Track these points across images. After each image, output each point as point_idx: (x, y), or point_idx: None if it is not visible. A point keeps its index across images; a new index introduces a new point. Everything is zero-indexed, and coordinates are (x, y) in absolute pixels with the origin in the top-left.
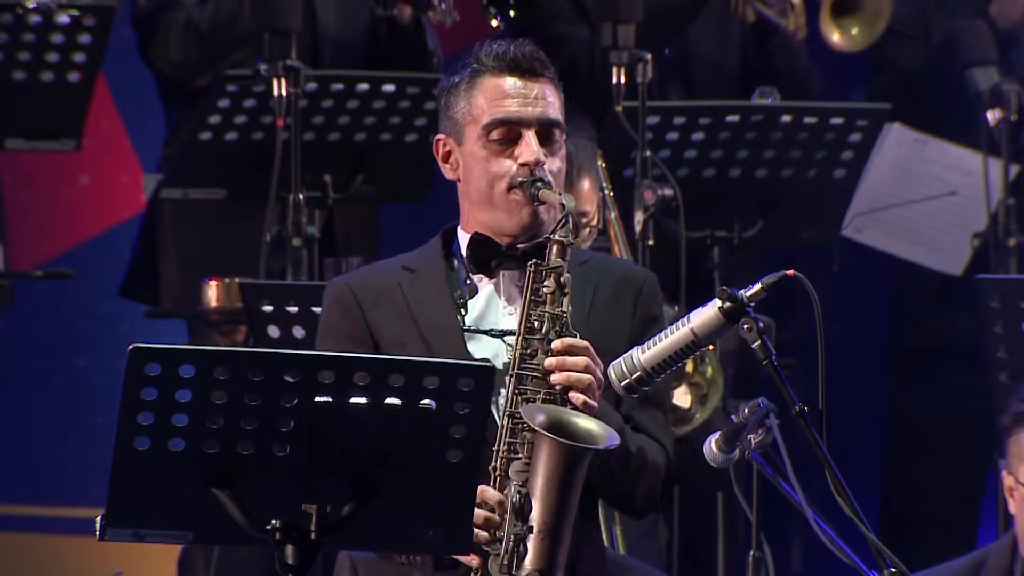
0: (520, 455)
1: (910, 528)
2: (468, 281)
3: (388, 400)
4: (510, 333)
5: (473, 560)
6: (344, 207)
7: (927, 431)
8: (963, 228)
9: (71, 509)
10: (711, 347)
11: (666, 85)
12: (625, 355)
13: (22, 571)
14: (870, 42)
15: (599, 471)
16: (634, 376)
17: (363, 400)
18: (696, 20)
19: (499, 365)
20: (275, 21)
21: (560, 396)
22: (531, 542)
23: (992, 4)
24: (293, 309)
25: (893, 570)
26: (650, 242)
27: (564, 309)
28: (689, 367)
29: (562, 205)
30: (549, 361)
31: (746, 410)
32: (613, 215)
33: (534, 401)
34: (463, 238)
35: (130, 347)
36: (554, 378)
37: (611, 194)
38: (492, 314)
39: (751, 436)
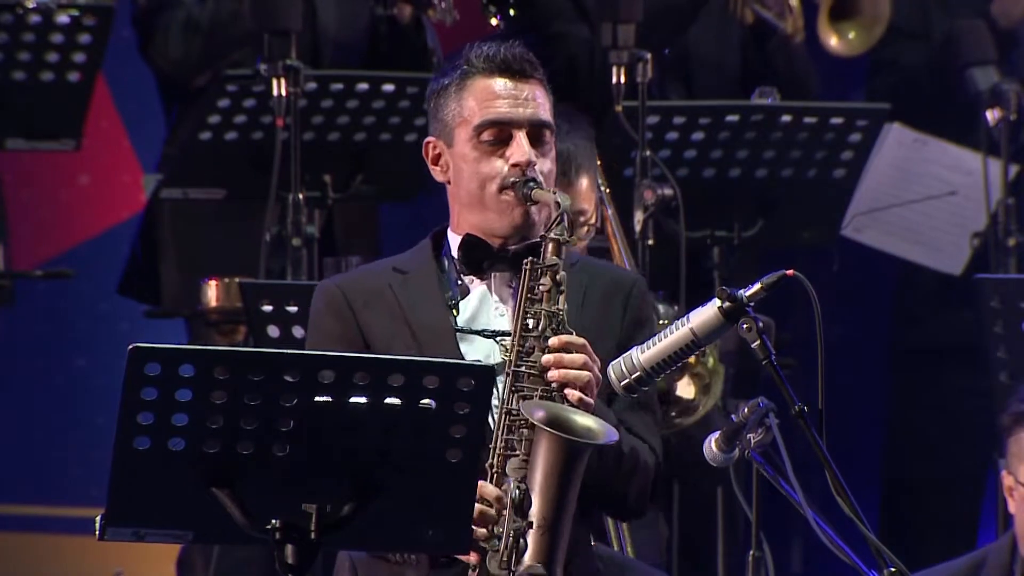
0: (517, 452)
1: (910, 528)
2: (459, 282)
3: (388, 400)
4: (502, 333)
5: (471, 557)
6: (343, 207)
7: (927, 431)
8: (963, 228)
9: (71, 509)
10: None
11: (666, 85)
12: (625, 355)
13: (22, 571)
14: (868, 47)
15: (593, 471)
16: (634, 376)
17: (363, 400)
18: (696, 20)
19: None
20: (275, 21)
21: (557, 393)
22: (531, 538)
23: (993, 3)
24: (293, 309)
25: (893, 570)
26: (650, 242)
27: (560, 307)
28: (691, 358)
29: (557, 204)
30: (546, 358)
31: (746, 409)
32: (610, 211)
33: (531, 399)
34: (453, 240)
35: (130, 347)
36: (551, 375)
37: (607, 191)
38: (484, 315)
39: (751, 435)
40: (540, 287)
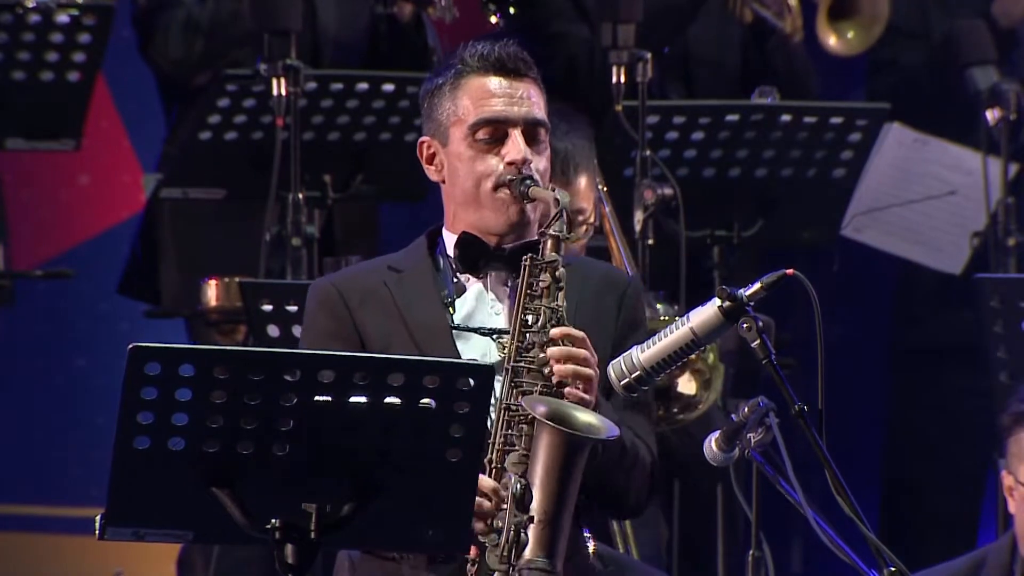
0: (517, 447)
1: (910, 528)
2: (455, 280)
3: (388, 399)
4: (499, 332)
5: (471, 552)
6: (343, 207)
7: (927, 431)
8: (962, 227)
9: (71, 509)
10: None
11: (666, 85)
12: (625, 354)
13: (22, 571)
14: (866, 46)
15: (596, 466)
16: (634, 375)
17: (363, 399)
18: (696, 20)
19: None
20: (275, 21)
21: (557, 388)
22: (531, 531)
23: (994, 3)
24: (293, 308)
25: (893, 570)
26: (650, 241)
27: (560, 303)
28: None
29: (556, 200)
30: (552, 350)
31: (746, 409)
32: (608, 210)
33: (530, 394)
34: (449, 238)
35: (130, 346)
36: (556, 368)
37: (605, 190)
38: (480, 313)
39: (751, 435)
40: (539, 283)
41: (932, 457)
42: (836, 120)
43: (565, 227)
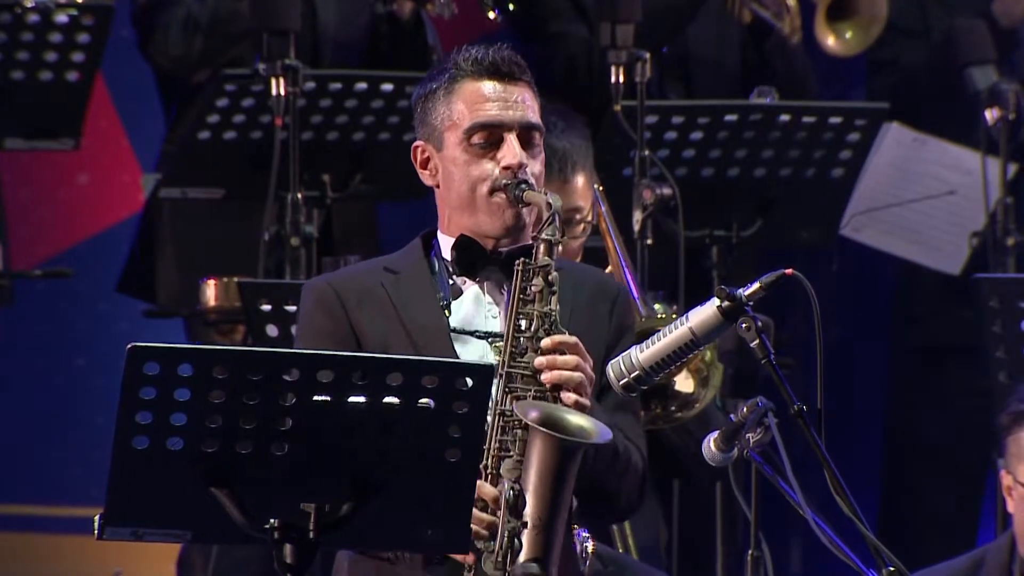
0: (511, 453)
1: (909, 528)
2: (451, 283)
3: (387, 399)
4: (496, 335)
5: (467, 558)
6: (342, 206)
7: (926, 431)
8: (961, 227)
9: (70, 508)
10: None
11: (665, 84)
12: (624, 354)
13: (22, 571)
14: (865, 47)
15: (588, 469)
16: (633, 375)
17: (362, 399)
18: (695, 20)
19: None
20: (275, 21)
21: (550, 394)
22: (525, 537)
23: (994, 2)
24: (291, 308)
25: (892, 569)
26: (648, 241)
27: (553, 307)
28: None
29: (548, 204)
30: (539, 360)
31: (745, 409)
32: (605, 209)
33: (524, 399)
34: (444, 241)
35: (129, 346)
36: (545, 376)
37: (601, 189)
38: (477, 316)
39: (750, 435)
40: (532, 288)
41: (931, 457)
42: (835, 120)
43: (558, 231)
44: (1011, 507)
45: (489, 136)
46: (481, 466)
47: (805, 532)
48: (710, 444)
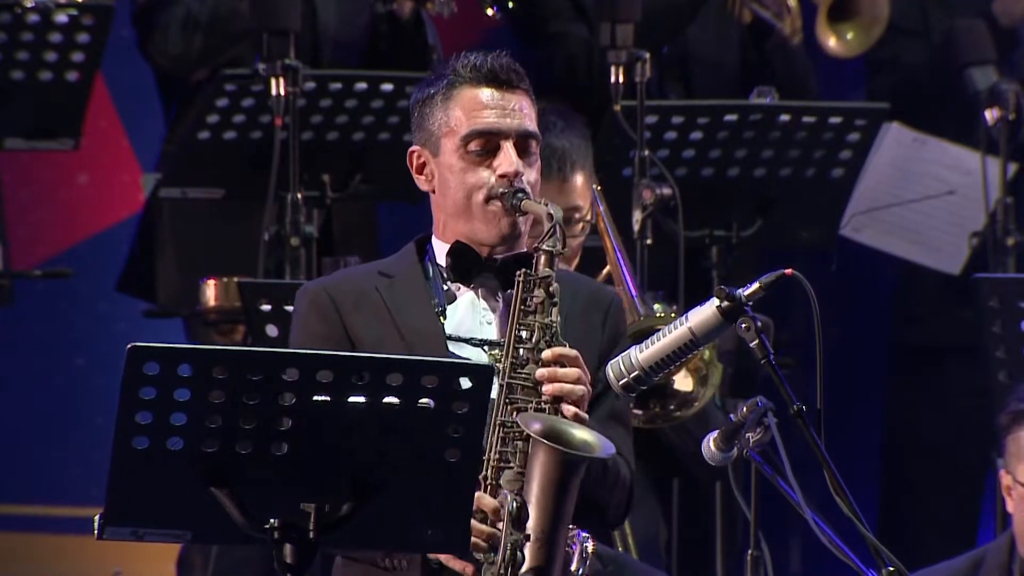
0: (512, 464)
1: (909, 527)
2: (445, 288)
3: (386, 399)
4: (492, 343)
5: (467, 568)
6: (342, 206)
7: (926, 430)
8: (961, 227)
9: (70, 508)
10: None
11: (665, 84)
12: (623, 354)
13: (22, 571)
14: (866, 48)
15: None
16: (632, 375)
17: (361, 399)
18: (695, 20)
19: None
20: (275, 20)
21: (551, 406)
22: (527, 550)
23: (995, 1)
24: (291, 308)
25: (891, 569)
26: (648, 241)
27: (553, 319)
28: None
29: (550, 215)
30: (540, 372)
31: (744, 409)
32: (603, 209)
33: (525, 410)
34: (439, 247)
35: (128, 346)
36: (546, 388)
37: (599, 189)
38: (471, 322)
39: (749, 435)
40: (533, 299)
41: (931, 457)
42: (835, 120)
43: (559, 242)
44: (1010, 507)
45: (486, 144)
46: (480, 477)
47: (805, 532)
48: (710, 444)
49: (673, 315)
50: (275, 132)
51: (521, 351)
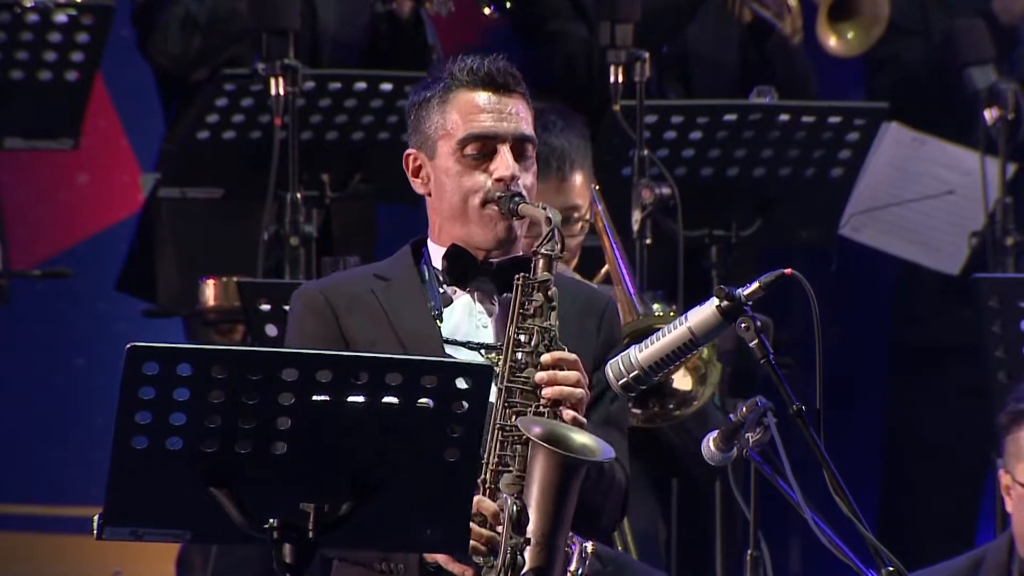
0: (511, 468)
1: (908, 527)
2: (441, 291)
3: (386, 399)
4: (489, 347)
5: (466, 572)
6: (341, 206)
7: (926, 430)
8: (961, 227)
9: (70, 508)
10: None
11: (664, 84)
12: (622, 354)
13: (22, 571)
14: (866, 47)
15: None
16: (631, 375)
17: (361, 399)
18: (695, 19)
19: None
20: (274, 20)
21: (550, 410)
22: (527, 554)
23: (994, 0)
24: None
25: (891, 569)
26: (648, 241)
27: (552, 323)
28: None
29: (548, 219)
30: (540, 375)
31: (744, 409)
32: (601, 208)
33: (524, 414)
34: (434, 250)
35: (128, 346)
36: (546, 392)
37: (598, 188)
38: (467, 326)
39: (749, 435)
40: (532, 303)
41: (930, 457)
42: (834, 120)
43: (558, 246)
44: (1009, 507)
45: (482, 147)
46: (479, 481)
47: (804, 532)
48: (709, 444)
49: (672, 315)
50: (274, 132)
51: (520, 355)
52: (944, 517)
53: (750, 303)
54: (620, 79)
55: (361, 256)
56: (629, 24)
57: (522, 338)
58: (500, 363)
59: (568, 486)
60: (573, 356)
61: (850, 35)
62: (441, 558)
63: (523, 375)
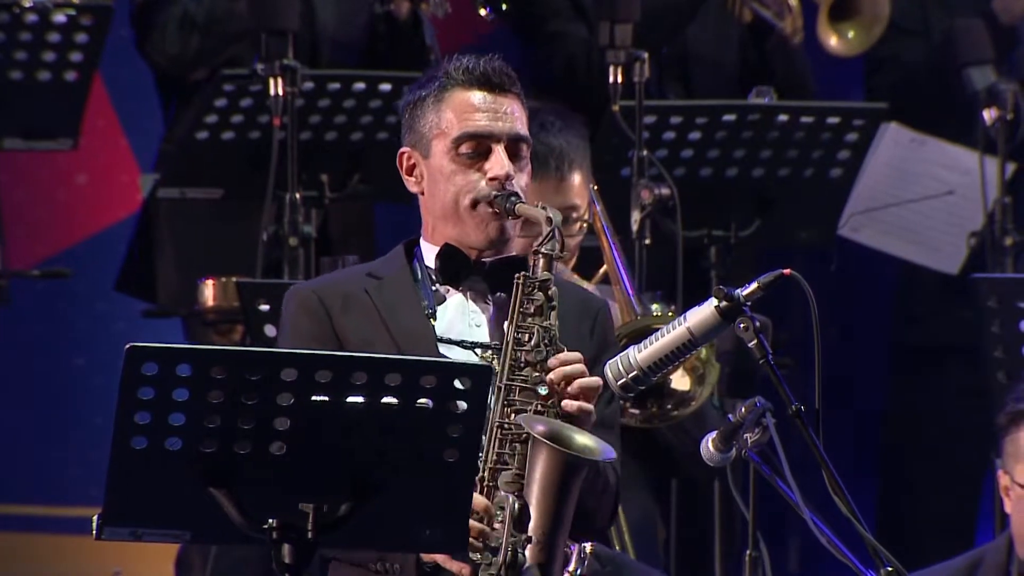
0: (510, 465)
1: (907, 528)
2: (434, 290)
3: (385, 399)
4: (483, 346)
5: (463, 570)
6: (340, 206)
7: (925, 430)
8: (960, 227)
9: (70, 508)
10: None
11: (664, 84)
12: (622, 354)
13: (21, 571)
14: (867, 47)
15: None
16: (630, 375)
17: (360, 399)
18: (695, 19)
19: None
20: (273, 21)
21: (550, 409)
22: (528, 552)
23: (994, 0)
24: None
25: (890, 569)
26: (647, 241)
27: (552, 322)
28: None
29: (549, 220)
30: (551, 376)
31: (743, 409)
32: (599, 208)
33: (523, 412)
34: (427, 249)
35: (127, 346)
36: (570, 388)
37: (596, 188)
38: (460, 324)
39: (748, 435)
40: (533, 302)
41: (930, 457)
42: (833, 120)
43: (558, 245)
44: (1008, 507)
45: (477, 146)
46: (477, 478)
47: (803, 532)
48: (708, 444)
49: (671, 315)
50: (273, 132)
51: (520, 354)
52: (943, 517)
53: (749, 303)
54: (619, 79)
55: (360, 256)
56: (628, 24)
57: (522, 337)
58: (499, 361)
59: (570, 485)
60: (577, 354)
61: (851, 35)
62: (439, 556)
63: (522, 373)
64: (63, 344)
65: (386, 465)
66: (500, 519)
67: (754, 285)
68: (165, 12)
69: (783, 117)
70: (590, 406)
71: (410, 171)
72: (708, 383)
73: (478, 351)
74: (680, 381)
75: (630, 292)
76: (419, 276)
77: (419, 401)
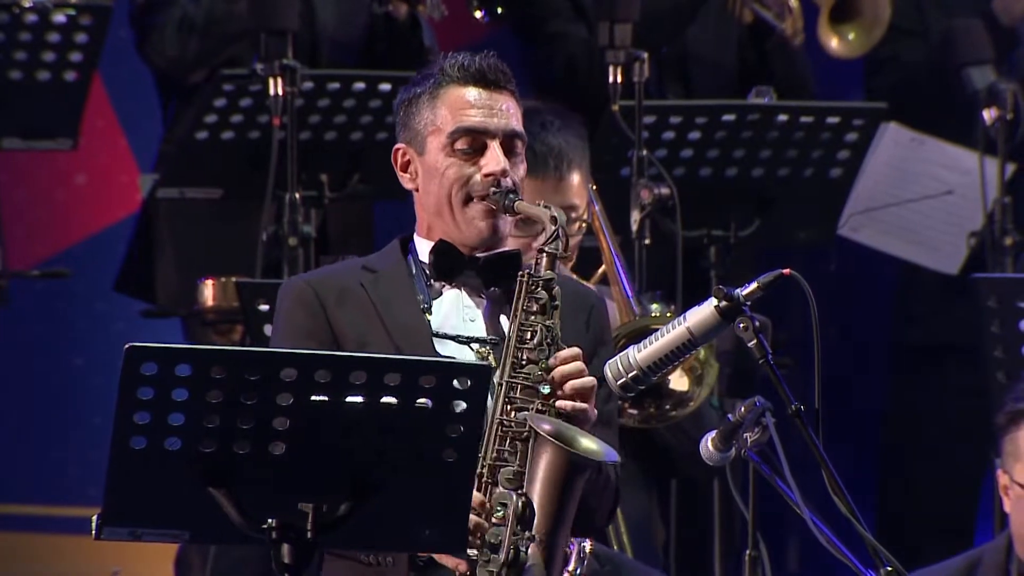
0: (510, 463)
1: (907, 527)
2: (429, 285)
3: (384, 399)
4: (480, 340)
5: (460, 566)
6: (340, 206)
7: (925, 430)
8: (959, 227)
9: (69, 508)
10: None
11: (664, 84)
12: (621, 354)
13: (21, 570)
14: (868, 49)
15: None
16: (630, 375)
17: (359, 399)
18: (695, 19)
19: None
20: (273, 21)
21: (551, 408)
22: (530, 550)
23: (994, 0)
24: None
25: (889, 569)
26: (647, 241)
27: (555, 321)
28: None
29: (554, 219)
30: (557, 372)
31: (743, 409)
32: (598, 208)
33: (524, 410)
34: (421, 244)
35: (126, 346)
36: (567, 387)
37: (594, 188)
38: (455, 319)
39: (747, 435)
40: (536, 300)
41: (929, 456)
42: (833, 120)
43: (561, 244)
44: (1008, 507)
45: (472, 142)
46: (476, 474)
47: (803, 532)
48: (708, 444)
49: (671, 315)
50: (273, 132)
51: (522, 352)
52: (943, 517)
53: (749, 303)
54: (619, 79)
55: (359, 256)
56: (628, 24)
57: (525, 335)
58: (500, 358)
59: (573, 485)
60: (576, 350)
61: (851, 36)
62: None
63: (524, 371)
64: (62, 344)
65: (385, 465)
66: (501, 516)
67: (754, 285)
68: (164, 14)
69: (783, 117)
70: (584, 405)
71: (405, 167)
72: (706, 383)
73: (474, 345)
74: (678, 381)
75: (628, 292)
76: (414, 271)
77: (418, 401)
